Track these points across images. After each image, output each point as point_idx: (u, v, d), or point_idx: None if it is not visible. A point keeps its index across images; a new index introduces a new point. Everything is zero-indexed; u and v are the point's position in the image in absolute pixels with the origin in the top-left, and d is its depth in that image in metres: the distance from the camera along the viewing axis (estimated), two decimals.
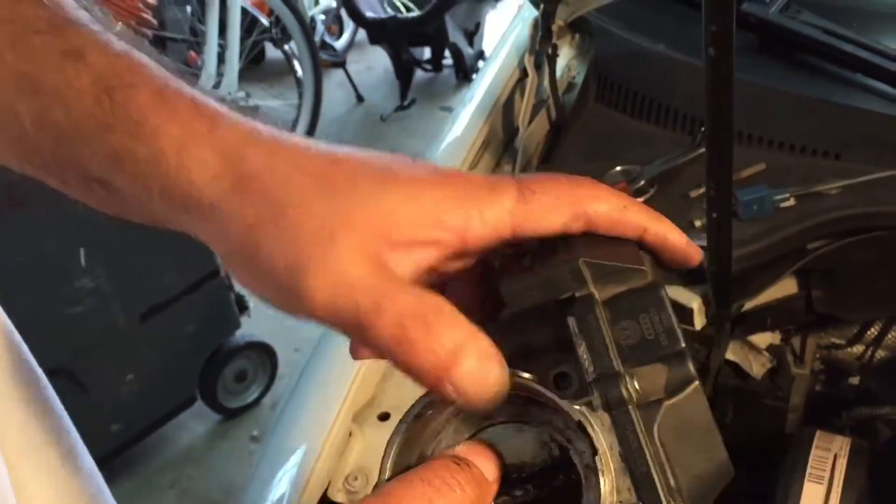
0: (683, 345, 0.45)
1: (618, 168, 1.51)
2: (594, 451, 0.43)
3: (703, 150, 1.28)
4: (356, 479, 1.23)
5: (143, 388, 2.61)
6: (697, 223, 1.36)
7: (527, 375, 0.44)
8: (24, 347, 0.61)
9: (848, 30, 1.42)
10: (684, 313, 1.35)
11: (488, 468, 0.44)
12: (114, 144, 0.44)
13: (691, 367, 0.45)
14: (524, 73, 1.68)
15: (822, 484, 1.17)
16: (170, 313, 2.62)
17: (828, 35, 1.42)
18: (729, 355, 1.54)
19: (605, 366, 0.44)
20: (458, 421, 0.47)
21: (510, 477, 0.47)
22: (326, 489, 1.21)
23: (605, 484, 0.42)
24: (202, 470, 2.89)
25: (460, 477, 0.42)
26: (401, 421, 0.46)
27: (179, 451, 2.91)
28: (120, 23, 0.47)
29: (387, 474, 0.45)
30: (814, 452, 1.21)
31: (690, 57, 1.48)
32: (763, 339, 1.57)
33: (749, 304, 1.50)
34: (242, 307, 2.87)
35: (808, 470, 1.18)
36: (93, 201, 0.50)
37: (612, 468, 0.42)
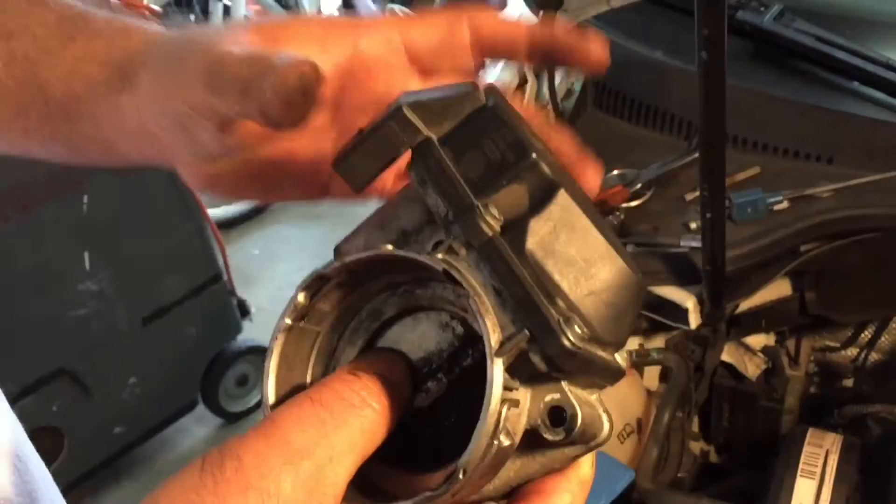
0: (534, 155, 0.40)
1: (615, 172, 1.54)
2: (466, 295, 0.38)
3: (697, 154, 1.31)
4: None
5: (145, 391, 2.63)
6: (693, 225, 1.39)
7: (388, 248, 0.40)
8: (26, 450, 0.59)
9: (840, 37, 1.46)
10: (679, 313, 1.37)
11: (394, 371, 0.40)
12: (75, 53, 0.49)
13: (548, 174, 0.40)
14: (523, 80, 1.71)
15: (813, 479, 1.19)
16: (172, 317, 2.65)
17: (821, 42, 1.45)
18: (724, 356, 1.57)
19: (457, 204, 0.39)
20: (350, 332, 0.44)
21: (421, 373, 0.43)
22: None
23: (487, 324, 0.37)
24: None
25: (361, 391, 0.37)
26: (275, 329, 0.41)
27: (181, 455, 2.93)
28: None
29: (270, 399, 0.40)
30: (806, 449, 1.23)
31: (686, 64, 1.51)
32: (758, 340, 1.59)
33: (744, 306, 1.52)
34: (244, 312, 2.89)
35: (801, 466, 1.21)
36: (53, 148, 0.55)
37: (488, 306, 0.37)
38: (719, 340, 1.50)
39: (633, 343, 1.47)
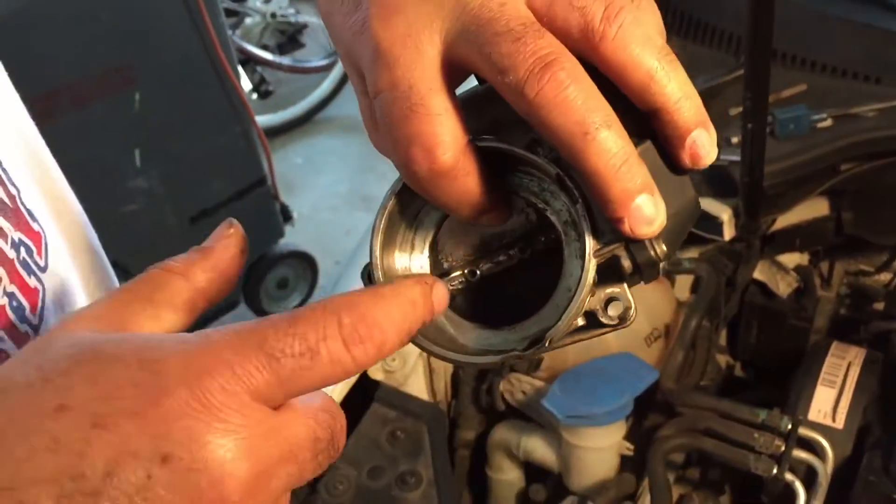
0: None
1: None
2: (574, 201, 0.43)
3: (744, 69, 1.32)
4: (394, 359, 1.32)
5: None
6: (734, 140, 1.40)
7: (502, 144, 0.44)
8: (97, 243, 0.63)
9: None
10: (715, 225, 1.40)
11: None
12: None
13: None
14: None
15: (834, 388, 1.23)
16: (218, 218, 2.69)
17: None
18: (757, 274, 1.59)
19: None
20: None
21: (492, 245, 0.48)
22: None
23: (587, 230, 0.43)
24: None
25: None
26: (385, 198, 0.46)
27: None
28: None
29: (377, 251, 0.46)
30: (829, 359, 1.27)
31: None
32: (791, 259, 1.62)
33: (779, 224, 1.54)
34: (287, 217, 2.95)
35: (822, 375, 1.24)
36: None
37: (591, 213, 0.43)
38: (753, 256, 1.52)
39: None
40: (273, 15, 4.09)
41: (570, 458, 1.28)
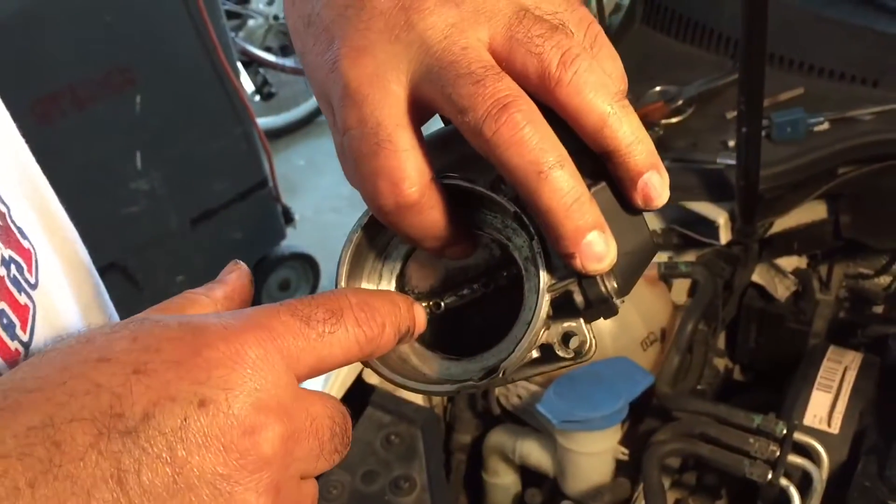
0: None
1: (657, 88, 1.54)
2: (531, 238, 0.45)
3: None
4: None
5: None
6: (731, 143, 1.40)
7: (463, 182, 0.46)
8: (85, 254, 0.64)
9: None
10: (711, 229, 1.40)
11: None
12: None
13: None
14: None
15: (829, 392, 1.22)
16: (219, 219, 2.72)
17: None
18: (755, 277, 1.59)
19: None
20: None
21: (456, 279, 0.51)
22: (360, 372, 1.30)
23: (542, 266, 0.45)
24: None
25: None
26: (351, 231, 0.48)
27: None
28: None
29: (343, 281, 0.49)
30: (825, 364, 1.26)
31: None
32: (790, 262, 1.61)
33: (777, 227, 1.54)
34: (288, 218, 2.95)
35: (818, 379, 1.24)
36: None
37: (547, 250, 0.45)
38: (750, 259, 1.51)
39: (663, 256, 1.50)
40: (276, 17, 4.10)
41: (566, 463, 1.28)
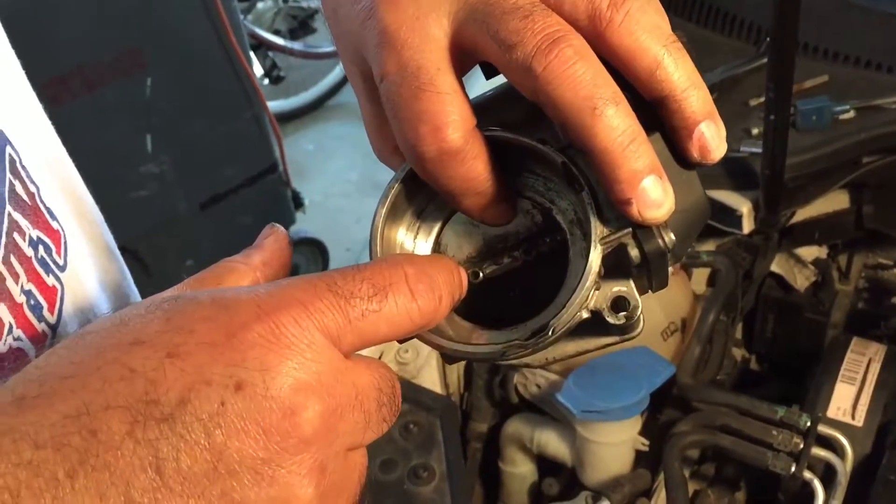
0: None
1: None
2: (579, 189, 0.42)
3: (765, 59, 1.29)
4: (407, 351, 1.31)
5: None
6: (755, 131, 1.38)
7: (508, 134, 0.43)
8: (110, 237, 0.63)
9: None
10: (733, 218, 1.38)
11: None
12: None
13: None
14: None
15: (854, 385, 1.21)
16: (228, 204, 2.70)
17: None
18: (774, 267, 1.57)
19: None
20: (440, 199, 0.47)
21: (495, 248, 0.48)
22: (380, 356, 1.29)
23: (594, 218, 0.42)
24: None
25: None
26: (388, 185, 0.45)
27: None
28: None
29: (378, 237, 0.45)
30: (849, 356, 1.25)
31: None
32: (810, 252, 1.59)
33: (799, 217, 1.52)
34: (298, 203, 2.94)
35: (842, 371, 1.23)
36: None
37: (598, 202, 0.42)
38: (771, 249, 1.50)
39: None
40: (285, 0, 4.07)
41: (585, 453, 1.27)
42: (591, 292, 0.42)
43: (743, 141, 1.38)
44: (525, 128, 0.43)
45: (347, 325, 0.38)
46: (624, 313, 0.43)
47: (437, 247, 0.48)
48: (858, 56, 1.41)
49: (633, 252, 0.42)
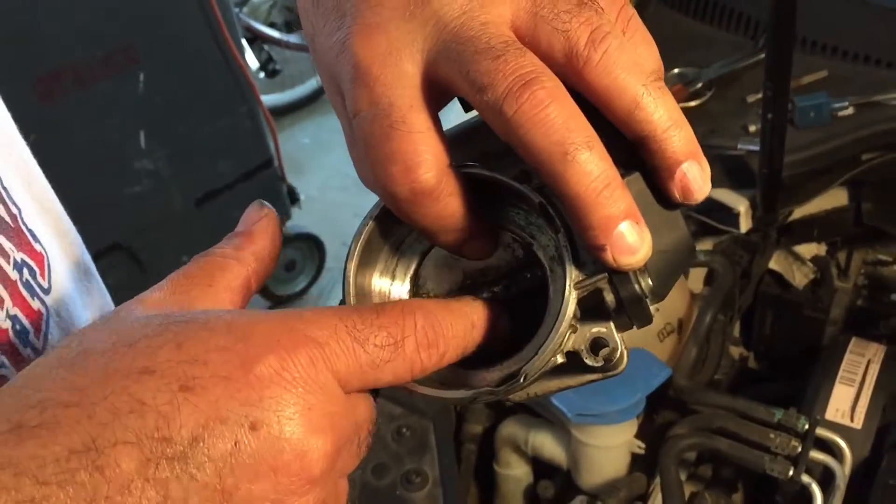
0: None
1: (675, 70, 1.50)
2: (556, 231, 0.41)
3: (763, 54, 1.27)
4: None
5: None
6: (752, 128, 1.36)
7: (484, 171, 0.42)
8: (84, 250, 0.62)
9: None
10: (731, 216, 1.36)
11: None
12: None
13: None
14: None
15: (852, 386, 1.19)
16: (224, 200, 2.68)
17: None
18: (772, 264, 1.55)
19: None
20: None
21: (475, 282, 0.47)
22: None
23: (570, 261, 0.41)
24: None
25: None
26: (361, 223, 0.44)
27: None
28: None
29: (351, 278, 0.44)
30: (848, 356, 1.23)
31: None
32: (808, 249, 1.57)
33: (797, 214, 1.50)
34: (294, 198, 2.92)
35: (841, 372, 1.21)
36: None
37: (574, 244, 0.41)
38: (769, 247, 1.48)
39: None
40: None
41: (580, 456, 1.25)
42: (564, 337, 0.41)
43: (740, 138, 1.36)
44: (508, 158, 0.42)
45: (358, 370, 0.38)
46: (603, 354, 0.42)
47: (417, 279, 0.47)
48: (857, 51, 1.39)
49: (609, 297, 0.41)
